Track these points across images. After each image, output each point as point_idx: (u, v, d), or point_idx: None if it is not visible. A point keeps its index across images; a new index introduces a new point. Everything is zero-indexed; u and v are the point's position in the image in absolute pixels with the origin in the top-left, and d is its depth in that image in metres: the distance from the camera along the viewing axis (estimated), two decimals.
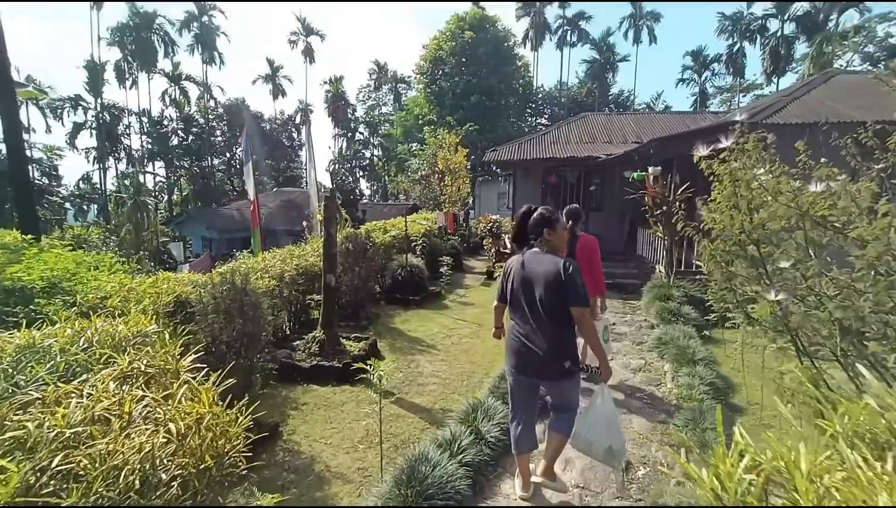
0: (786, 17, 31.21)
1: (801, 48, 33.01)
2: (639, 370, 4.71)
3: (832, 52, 26.17)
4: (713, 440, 3.03)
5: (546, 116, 38.27)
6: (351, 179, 50.57)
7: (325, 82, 54.14)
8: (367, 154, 63.58)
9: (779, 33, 32.03)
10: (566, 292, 2.26)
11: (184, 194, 37.59)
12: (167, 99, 39.91)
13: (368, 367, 2.68)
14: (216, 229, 19.59)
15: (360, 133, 62.46)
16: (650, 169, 7.54)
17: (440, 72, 27.48)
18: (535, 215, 2.52)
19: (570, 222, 3.78)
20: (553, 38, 43.88)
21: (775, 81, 33.71)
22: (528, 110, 36.58)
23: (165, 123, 37.23)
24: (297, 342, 4.83)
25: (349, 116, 56.01)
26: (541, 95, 39.59)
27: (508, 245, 10.96)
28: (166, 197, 37.82)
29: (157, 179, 38.39)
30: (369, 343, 5.14)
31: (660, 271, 8.30)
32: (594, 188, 12.40)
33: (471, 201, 18.38)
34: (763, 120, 6.59)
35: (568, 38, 42.73)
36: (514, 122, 29.72)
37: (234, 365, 3.07)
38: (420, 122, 28.83)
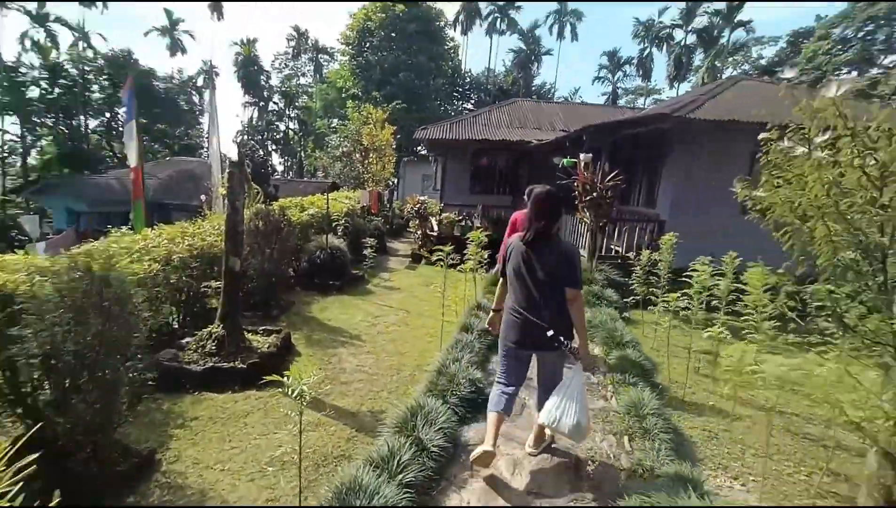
0: (689, 28, 34.59)
1: (698, 59, 36.94)
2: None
3: (722, 66, 29.55)
4: (655, 426, 2.95)
5: (472, 102, 38.39)
6: (262, 151, 46.47)
7: (236, 44, 48.73)
8: (282, 127, 59.02)
9: (682, 43, 35.44)
10: (569, 274, 2.49)
11: (46, 157, 31.29)
12: (27, 42, 32.75)
13: (283, 376, 2.08)
14: (87, 200, 16.44)
15: (275, 103, 57.58)
16: (582, 156, 7.61)
17: (367, 44, 26.00)
18: (553, 199, 2.63)
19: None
20: (483, 25, 44.03)
21: (676, 87, 37.45)
22: (456, 94, 36.37)
23: (23, 70, 30.54)
24: (188, 340, 3.97)
25: (262, 83, 51.13)
26: (469, 80, 39.58)
27: (436, 228, 10.61)
28: (20, 160, 31.20)
29: (7, 137, 31.48)
30: (281, 337, 4.44)
31: (582, 256, 8.53)
32: (523, 176, 12.50)
33: (395, 182, 17.68)
34: (687, 114, 6.96)
35: (497, 25, 43.09)
36: (441, 104, 29.30)
37: (86, 381, 2.28)
38: (343, 95, 27.15)
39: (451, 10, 41.13)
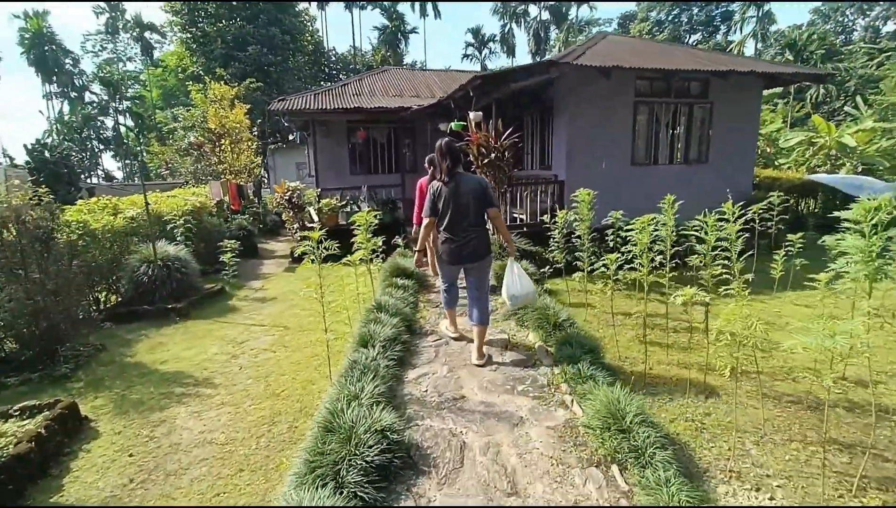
0: (542, 5, 36.64)
1: (553, 35, 39.61)
2: (505, 349, 3.73)
3: (575, 41, 31.87)
4: (647, 441, 2.12)
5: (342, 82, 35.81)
6: (79, 154, 37.37)
7: (17, 17, 38.01)
8: (109, 123, 48.82)
9: (538, 18, 37.46)
10: (487, 199, 3.31)
11: None
12: None
13: None
14: None
15: (94, 94, 47.17)
16: (472, 115, 6.73)
17: (201, 13, 21.94)
18: (452, 146, 3.30)
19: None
20: None
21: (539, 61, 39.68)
22: (322, 74, 33.47)
23: None
24: None
25: (67, 67, 41.17)
26: (334, 58, 36.79)
27: (315, 218, 8.98)
28: None
29: None
30: (57, 414, 2.70)
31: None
32: (407, 151, 11.35)
33: (264, 173, 15.17)
34: (573, 60, 6.50)
35: None
36: (306, 84, 26.47)
37: None
38: (181, 76, 22.81)
39: None
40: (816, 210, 10.25)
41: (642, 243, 3.25)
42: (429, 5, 45.61)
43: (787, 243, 4.66)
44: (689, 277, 3.89)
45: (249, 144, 13.57)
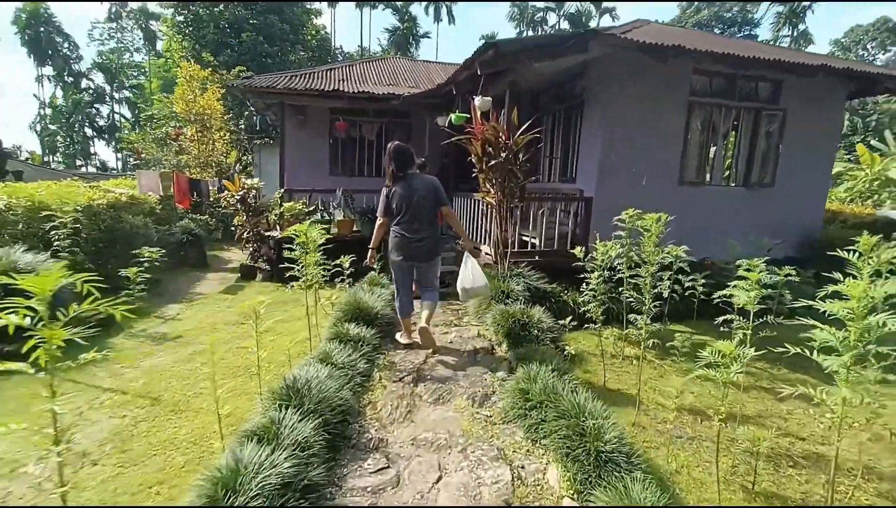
0: (561, 13, 35.49)
1: None
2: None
3: None
4: None
5: None
6: (65, 139, 35.94)
7: None
8: (105, 111, 47.63)
9: (556, 27, 36.30)
10: (439, 197, 3.50)
11: None
12: None
13: None
14: None
15: (90, 81, 46.05)
16: (477, 100, 5.07)
17: None
18: (405, 151, 3.50)
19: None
20: None
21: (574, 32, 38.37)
22: None
23: None
24: None
25: (63, 51, 40.10)
26: (341, 57, 35.56)
27: (276, 229, 7.28)
28: None
29: None
30: None
31: (486, 254, 6.08)
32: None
33: (238, 168, 13.50)
34: (622, 34, 4.88)
35: None
36: None
37: None
38: (169, 62, 21.44)
39: None
40: None
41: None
42: (443, 9, 44.72)
43: None
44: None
45: (221, 134, 11.94)
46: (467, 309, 5.07)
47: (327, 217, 7.49)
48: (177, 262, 8.15)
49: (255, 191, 7.14)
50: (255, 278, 7.25)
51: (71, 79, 44.70)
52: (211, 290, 6.57)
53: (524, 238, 6.09)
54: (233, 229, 9.52)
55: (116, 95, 48.21)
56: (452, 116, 6.00)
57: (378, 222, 3.58)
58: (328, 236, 3.79)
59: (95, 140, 48.21)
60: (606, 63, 5.58)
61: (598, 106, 5.82)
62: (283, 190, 7.35)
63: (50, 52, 38.92)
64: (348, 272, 4.82)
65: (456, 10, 45.13)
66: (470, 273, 3.70)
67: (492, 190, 5.01)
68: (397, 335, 3.97)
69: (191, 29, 20.55)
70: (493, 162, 4.65)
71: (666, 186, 6.10)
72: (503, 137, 4.65)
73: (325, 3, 39.39)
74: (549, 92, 6.94)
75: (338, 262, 5.15)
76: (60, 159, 44.70)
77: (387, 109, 7.94)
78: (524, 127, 4.71)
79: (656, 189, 6.03)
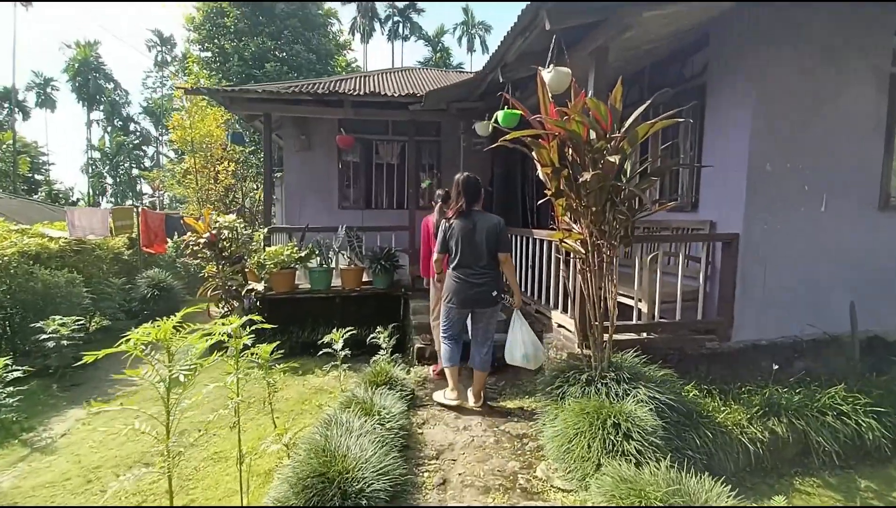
0: None
1: None
2: None
3: None
4: None
5: None
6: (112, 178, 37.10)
7: (68, 46, 39.64)
8: (150, 151, 49.67)
9: None
10: (501, 241, 3.18)
11: None
12: None
13: None
14: None
15: (137, 124, 48.32)
16: (548, 73, 3.00)
17: (223, 31, 20.36)
18: (472, 181, 3.25)
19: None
20: (384, 30, 40.47)
21: None
22: None
23: None
24: None
25: (111, 96, 42.23)
26: None
27: (255, 285, 5.41)
28: None
29: None
30: None
31: (561, 327, 3.87)
32: (429, 179, 7.73)
33: (249, 203, 12.04)
34: None
35: (400, 30, 39.79)
36: None
37: None
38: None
39: (345, 16, 37.12)
40: None
41: None
42: (476, 40, 44.28)
43: None
44: None
45: (225, 166, 10.51)
46: (536, 435, 2.86)
47: (326, 264, 5.53)
48: (140, 324, 6.40)
49: (228, 232, 5.30)
50: (226, 350, 5.31)
51: (120, 123, 47.15)
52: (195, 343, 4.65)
53: (621, 296, 3.82)
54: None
55: (162, 138, 50.46)
56: (500, 113, 3.96)
57: (435, 258, 3.40)
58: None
59: (141, 179, 50.36)
60: (751, 17, 3.43)
61: (736, 85, 3.62)
62: (265, 229, 5.49)
63: (98, 97, 40.92)
64: (343, 355, 3.51)
65: (490, 40, 44.51)
66: (520, 337, 3.29)
67: (578, 225, 2.86)
68: (439, 395, 3.49)
69: (217, 64, 20.17)
70: (585, 176, 2.50)
71: (858, 212, 3.73)
72: (603, 129, 2.51)
73: (359, 38, 39.77)
74: (646, 76, 4.79)
75: (329, 338, 3.58)
76: (110, 199, 46.67)
77: (409, 123, 6.06)
78: (641, 110, 2.57)
79: (843, 217, 3.68)
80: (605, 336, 3.01)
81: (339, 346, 3.80)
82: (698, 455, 2.55)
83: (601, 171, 2.51)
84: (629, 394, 2.72)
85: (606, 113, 2.44)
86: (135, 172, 48.07)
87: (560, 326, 3.87)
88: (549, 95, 2.82)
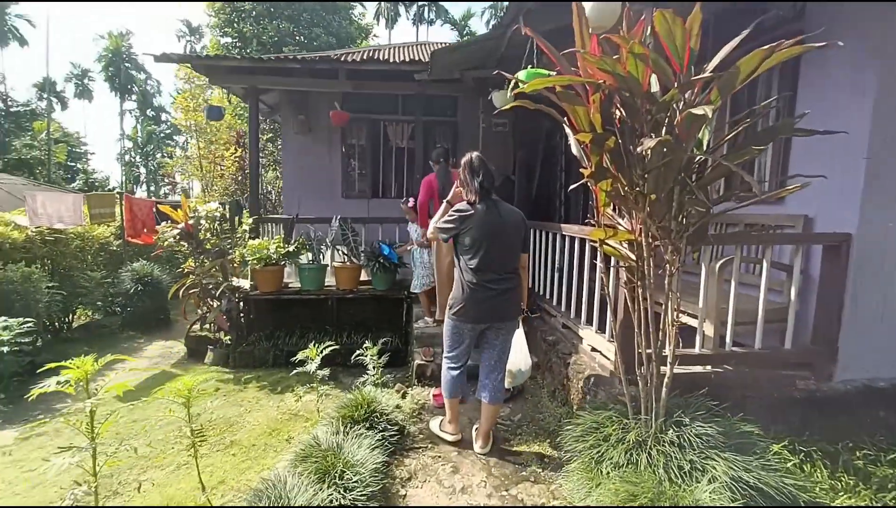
0: None
1: None
2: None
3: None
4: None
5: None
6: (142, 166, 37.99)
7: (101, 37, 40.43)
8: (181, 140, 50.66)
9: None
10: (526, 240, 2.61)
11: None
12: None
13: None
14: None
15: (167, 113, 49.17)
16: (587, 7, 2.13)
17: (242, 14, 19.95)
18: (486, 162, 2.53)
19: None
20: (409, 15, 39.55)
21: None
22: None
23: None
24: None
25: (143, 87, 43.01)
26: None
27: (241, 283, 4.74)
28: None
29: None
30: None
31: (595, 354, 3.03)
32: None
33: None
34: None
35: (426, 14, 38.81)
36: None
37: None
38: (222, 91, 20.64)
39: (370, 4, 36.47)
40: None
41: None
42: None
43: None
44: None
45: (231, 152, 9.96)
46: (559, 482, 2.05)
47: (316, 259, 4.81)
48: (122, 323, 5.88)
49: (207, 222, 4.62)
50: (206, 359, 4.68)
51: (152, 113, 48.14)
52: (136, 377, 4.05)
53: (682, 315, 2.90)
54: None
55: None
56: (522, 73, 3.08)
57: (430, 236, 2.74)
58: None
59: (173, 168, 51.53)
60: None
61: (855, 37, 2.62)
62: (250, 220, 4.80)
63: (130, 87, 41.72)
64: (321, 376, 3.07)
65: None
66: (520, 352, 2.88)
67: (628, 219, 1.99)
68: (434, 425, 2.87)
69: (237, 49, 19.80)
70: (647, 144, 1.62)
71: None
72: (675, 70, 1.63)
73: (384, 24, 38.96)
74: (710, 25, 3.79)
75: (304, 356, 3.09)
76: (144, 187, 47.97)
77: (418, 99, 5.23)
78: (737, 43, 1.66)
79: None
80: (662, 369, 2.15)
81: (313, 366, 3.07)
82: None
83: (672, 136, 1.63)
84: (700, 469, 1.86)
85: (684, 41, 1.55)
86: (168, 160, 49.24)
87: (594, 349, 3.00)
88: (588, 21, 1.93)
